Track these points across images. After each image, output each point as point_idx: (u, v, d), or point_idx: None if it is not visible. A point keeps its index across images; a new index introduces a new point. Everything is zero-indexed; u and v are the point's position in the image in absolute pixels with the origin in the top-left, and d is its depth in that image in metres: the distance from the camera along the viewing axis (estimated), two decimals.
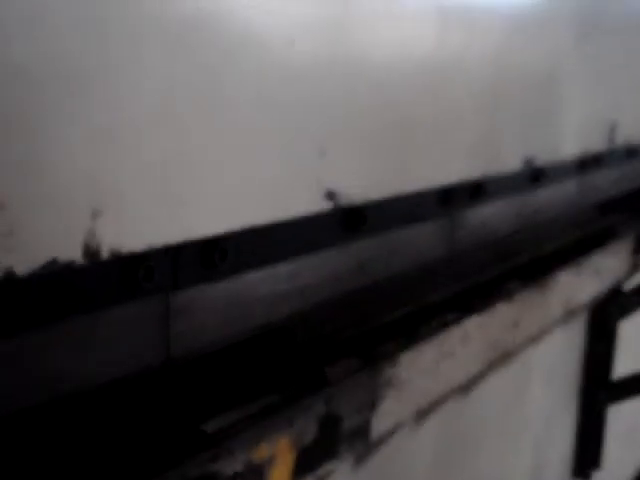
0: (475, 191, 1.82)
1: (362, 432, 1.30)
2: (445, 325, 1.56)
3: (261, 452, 1.08)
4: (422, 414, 1.64)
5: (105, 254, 0.96)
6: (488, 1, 1.71)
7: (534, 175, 2.13)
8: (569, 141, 2.33)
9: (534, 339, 2.11)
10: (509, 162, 1.99)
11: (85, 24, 0.90)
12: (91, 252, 0.94)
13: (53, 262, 0.90)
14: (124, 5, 0.94)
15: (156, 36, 0.99)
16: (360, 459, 1.52)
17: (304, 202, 1.29)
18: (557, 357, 2.58)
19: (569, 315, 2.22)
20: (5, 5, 0.81)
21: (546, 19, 2.06)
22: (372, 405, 1.32)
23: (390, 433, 1.44)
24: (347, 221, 1.39)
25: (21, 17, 0.83)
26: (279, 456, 1.11)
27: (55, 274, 0.91)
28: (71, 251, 0.92)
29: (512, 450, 2.39)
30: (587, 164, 2.47)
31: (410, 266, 1.65)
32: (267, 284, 1.25)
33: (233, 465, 1.03)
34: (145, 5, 0.96)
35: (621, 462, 3.46)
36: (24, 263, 0.87)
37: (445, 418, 1.84)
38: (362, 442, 1.31)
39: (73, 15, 0.88)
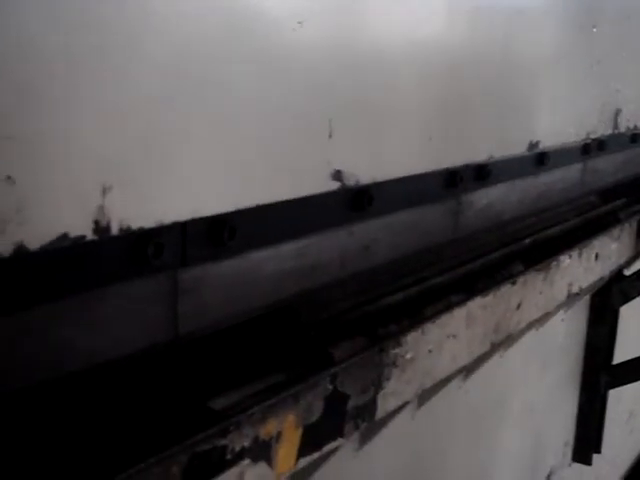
0: (481, 174, 1.82)
1: (368, 411, 1.31)
2: (450, 307, 1.57)
3: (268, 428, 1.09)
4: (426, 394, 1.65)
5: (115, 230, 0.96)
6: None
7: (539, 159, 2.13)
8: (573, 126, 2.33)
9: (537, 322, 2.11)
10: (514, 146, 1.99)
11: (94, 7, 0.90)
12: (101, 228, 0.94)
13: (64, 237, 0.91)
14: None
15: (164, 17, 0.99)
16: (365, 438, 1.53)
17: (312, 182, 1.30)
18: (559, 341, 2.59)
19: (571, 299, 2.23)
20: None
21: (552, 7, 2.06)
22: (378, 384, 1.33)
23: (395, 412, 1.45)
24: (354, 201, 1.40)
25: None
26: (286, 432, 1.12)
27: (66, 249, 0.91)
28: (82, 226, 0.92)
29: (514, 434, 2.40)
30: (591, 149, 2.47)
31: (416, 247, 1.66)
32: (274, 263, 1.26)
33: (241, 440, 1.04)
34: None
35: (621, 447, 3.48)
36: (35, 238, 0.88)
37: (447, 400, 1.85)
38: (367, 421, 1.32)
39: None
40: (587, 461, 2.88)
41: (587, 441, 2.85)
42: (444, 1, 1.56)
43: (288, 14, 1.18)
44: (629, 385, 2.93)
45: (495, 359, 2.03)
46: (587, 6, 2.26)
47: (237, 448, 1.04)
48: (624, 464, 3.62)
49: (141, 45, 0.97)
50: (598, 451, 2.92)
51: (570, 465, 2.91)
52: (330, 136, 1.30)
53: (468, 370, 1.90)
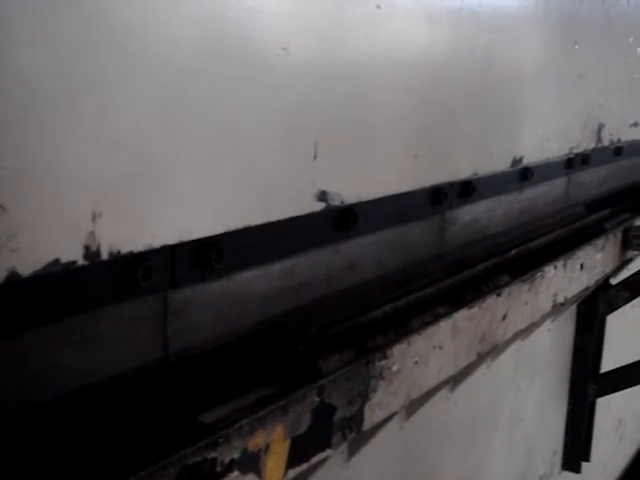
0: (465, 190, 1.86)
1: (355, 422, 1.34)
2: (436, 318, 1.60)
3: (257, 440, 1.11)
4: (412, 406, 1.68)
5: (105, 254, 0.99)
6: (474, 4, 1.75)
7: (523, 174, 2.17)
8: (557, 141, 2.37)
9: (523, 332, 2.15)
10: (498, 162, 2.03)
11: (85, 36, 0.93)
12: (91, 253, 0.97)
13: (55, 263, 0.93)
14: (123, 17, 0.97)
15: (150, 44, 1.02)
16: (354, 449, 1.56)
17: (297, 203, 1.33)
18: (546, 351, 2.62)
19: (557, 309, 2.26)
20: (9, 17, 0.85)
21: (533, 24, 2.10)
22: (364, 396, 1.35)
23: (383, 423, 1.48)
24: (339, 221, 1.43)
25: (25, 28, 0.86)
26: (274, 444, 1.15)
27: (57, 274, 0.94)
28: (72, 252, 0.95)
29: (503, 443, 2.43)
30: (574, 163, 2.51)
31: (402, 264, 1.69)
32: (262, 283, 1.29)
33: (230, 453, 1.06)
34: (143, 14, 1.00)
35: (611, 455, 3.50)
36: (27, 264, 0.90)
37: (436, 410, 1.88)
38: (355, 432, 1.35)
39: (75, 27, 0.92)
40: (576, 469, 2.91)
41: (576, 449, 2.88)
42: (426, 20, 1.59)
43: (273, 40, 1.22)
44: (618, 393, 2.96)
45: (482, 369, 2.06)
46: (568, 23, 2.30)
47: (226, 460, 1.06)
48: (614, 472, 3.65)
49: (130, 72, 0.99)
50: (587, 459, 2.95)
51: (560, 473, 2.94)
52: (315, 158, 1.33)
53: (456, 381, 1.93)
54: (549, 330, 2.55)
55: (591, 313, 2.77)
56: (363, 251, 1.54)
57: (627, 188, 3.08)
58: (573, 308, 2.76)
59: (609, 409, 3.20)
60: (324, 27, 1.31)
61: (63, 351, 0.98)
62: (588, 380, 2.83)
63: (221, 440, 1.05)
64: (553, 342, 2.66)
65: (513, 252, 2.20)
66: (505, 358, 2.21)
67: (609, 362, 2.95)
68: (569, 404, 2.86)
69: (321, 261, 1.42)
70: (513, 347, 2.22)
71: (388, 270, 1.64)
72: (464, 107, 1.80)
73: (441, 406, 1.91)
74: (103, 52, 0.95)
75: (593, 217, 2.77)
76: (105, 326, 1.03)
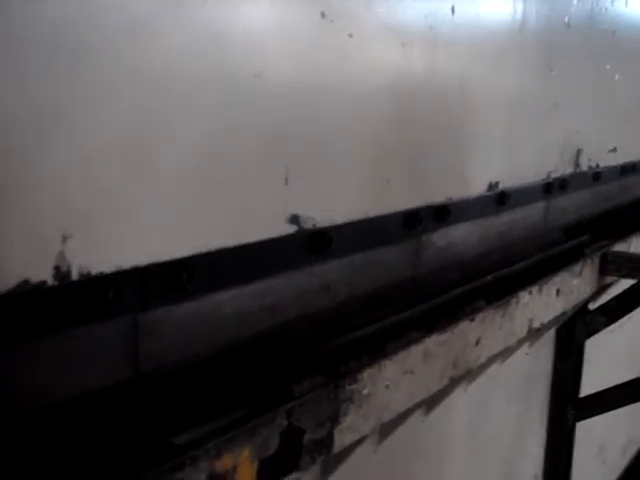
0: (440, 214, 1.89)
1: (324, 445, 1.36)
2: (408, 343, 1.63)
3: (224, 462, 1.14)
4: (386, 429, 1.70)
5: (75, 275, 1.02)
6: (453, 30, 1.79)
7: (499, 199, 2.20)
8: (534, 166, 2.41)
9: (499, 357, 2.17)
10: (474, 187, 2.06)
11: (50, 69, 0.96)
12: (61, 273, 1.00)
13: (25, 283, 0.96)
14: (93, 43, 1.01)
15: (120, 66, 1.05)
16: (326, 472, 1.58)
17: (269, 226, 1.36)
18: (524, 375, 2.65)
19: (533, 334, 2.29)
20: None
21: (511, 48, 2.14)
22: (334, 419, 1.38)
23: (353, 446, 1.50)
24: (311, 244, 1.46)
25: None
26: (241, 467, 1.17)
27: (27, 294, 0.96)
28: (42, 273, 0.98)
29: (480, 468, 2.44)
30: (553, 188, 2.55)
31: (376, 287, 1.71)
32: (234, 304, 1.32)
33: (196, 474, 1.09)
34: (115, 37, 1.03)
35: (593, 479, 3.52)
36: None
37: (410, 434, 1.90)
38: (324, 455, 1.37)
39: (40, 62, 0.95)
40: None
41: (556, 474, 2.90)
42: (399, 43, 1.62)
43: (246, 67, 1.25)
44: (599, 418, 2.98)
45: (459, 393, 2.08)
46: (545, 49, 2.34)
47: None
48: None
49: (100, 93, 1.02)
50: None
51: None
52: (286, 182, 1.37)
53: (431, 404, 1.95)
54: (527, 354, 2.57)
55: (570, 337, 2.80)
56: (337, 274, 1.56)
57: (606, 213, 3.13)
58: (552, 332, 2.79)
59: (590, 434, 3.21)
60: (298, 53, 1.35)
61: (32, 371, 1.00)
62: (567, 404, 2.85)
63: (188, 461, 1.07)
64: (531, 366, 2.68)
65: (490, 277, 2.23)
66: (482, 381, 2.23)
67: (588, 386, 2.97)
68: (548, 428, 2.88)
69: (294, 283, 1.45)
70: (490, 371, 2.24)
71: (362, 293, 1.67)
72: (439, 132, 1.84)
73: (416, 430, 1.93)
74: (70, 73, 0.98)
75: (573, 242, 2.81)
76: (75, 346, 1.05)
